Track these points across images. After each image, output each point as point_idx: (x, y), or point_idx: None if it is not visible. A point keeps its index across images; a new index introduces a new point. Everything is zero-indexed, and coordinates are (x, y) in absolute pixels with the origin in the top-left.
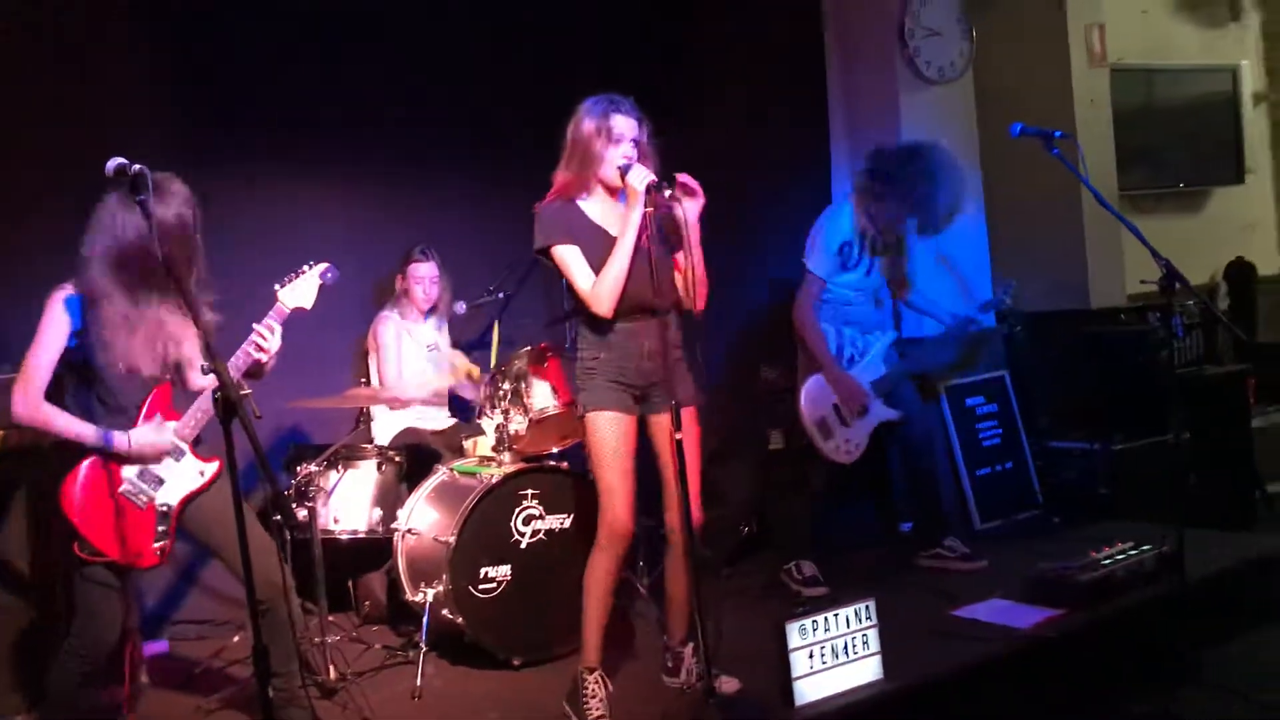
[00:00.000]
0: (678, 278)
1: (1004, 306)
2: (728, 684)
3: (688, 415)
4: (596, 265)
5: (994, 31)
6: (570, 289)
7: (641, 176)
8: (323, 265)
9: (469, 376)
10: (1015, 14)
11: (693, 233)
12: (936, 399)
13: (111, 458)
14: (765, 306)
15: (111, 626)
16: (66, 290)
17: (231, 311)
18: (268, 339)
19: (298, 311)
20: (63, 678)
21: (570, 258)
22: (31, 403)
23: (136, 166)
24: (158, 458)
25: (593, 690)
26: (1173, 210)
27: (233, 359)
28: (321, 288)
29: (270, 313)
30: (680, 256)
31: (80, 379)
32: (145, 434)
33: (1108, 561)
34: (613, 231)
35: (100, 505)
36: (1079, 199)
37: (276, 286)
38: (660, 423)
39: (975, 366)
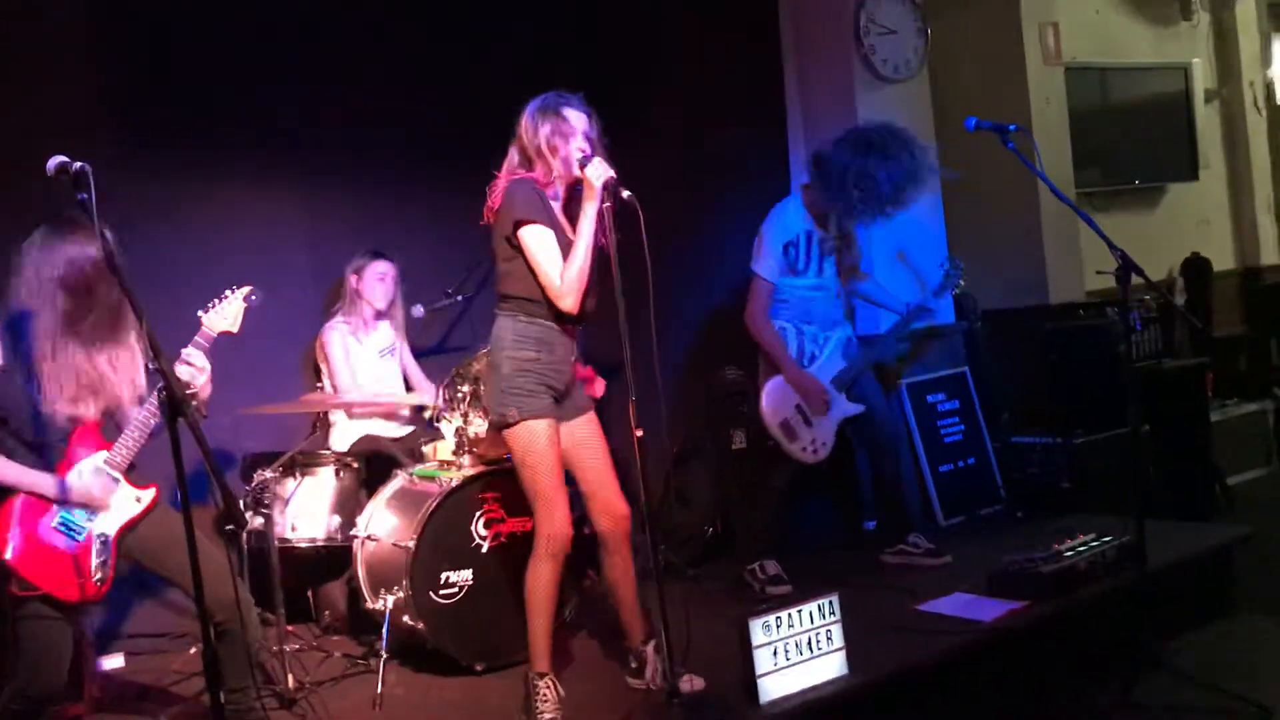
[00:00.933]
0: None
1: (956, 286)
2: (692, 683)
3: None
4: None
5: (950, 30)
6: (509, 277)
7: (599, 171)
8: (246, 289)
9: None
10: (970, 12)
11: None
12: (896, 390)
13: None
14: (725, 306)
15: (61, 661)
16: None
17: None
18: (195, 364)
19: (224, 335)
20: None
21: (547, 242)
22: None
23: (78, 164)
24: (104, 500)
25: (544, 694)
26: (1129, 208)
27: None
28: (248, 310)
29: (195, 338)
30: None
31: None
32: (87, 479)
33: (1070, 553)
34: (569, 233)
35: (34, 540)
36: (1036, 196)
37: (200, 313)
38: (573, 428)
39: (928, 354)
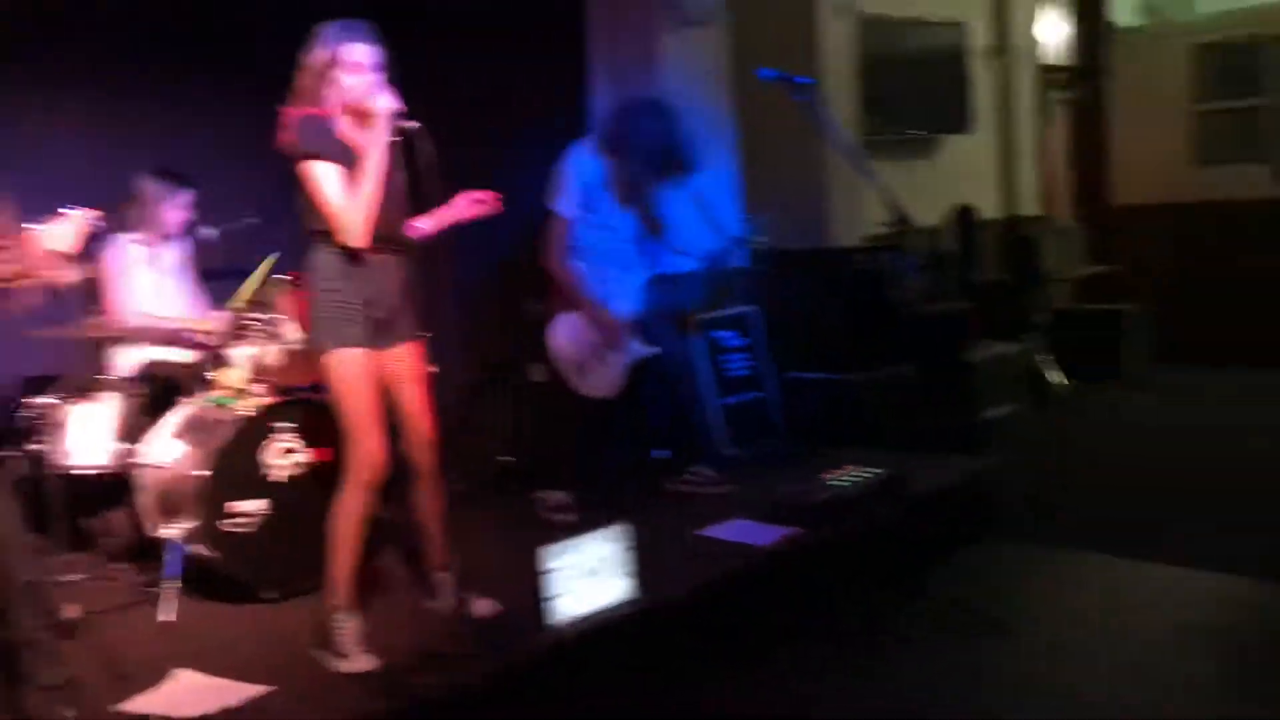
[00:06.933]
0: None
1: (759, 243)
2: (483, 605)
3: (418, 349)
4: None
5: None
6: (312, 212)
7: (386, 103)
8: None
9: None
10: None
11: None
12: (695, 333)
13: None
14: (524, 241)
15: None
16: None
17: None
18: None
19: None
20: None
21: (330, 177)
22: None
23: None
24: None
25: (343, 627)
26: (909, 156)
27: None
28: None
29: None
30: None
31: None
32: None
33: (838, 483)
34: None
35: None
36: (823, 144)
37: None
38: (391, 357)
39: (726, 300)
